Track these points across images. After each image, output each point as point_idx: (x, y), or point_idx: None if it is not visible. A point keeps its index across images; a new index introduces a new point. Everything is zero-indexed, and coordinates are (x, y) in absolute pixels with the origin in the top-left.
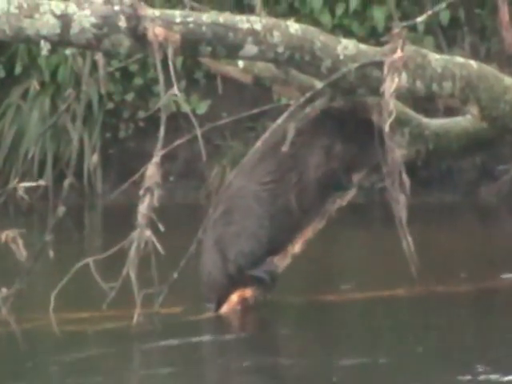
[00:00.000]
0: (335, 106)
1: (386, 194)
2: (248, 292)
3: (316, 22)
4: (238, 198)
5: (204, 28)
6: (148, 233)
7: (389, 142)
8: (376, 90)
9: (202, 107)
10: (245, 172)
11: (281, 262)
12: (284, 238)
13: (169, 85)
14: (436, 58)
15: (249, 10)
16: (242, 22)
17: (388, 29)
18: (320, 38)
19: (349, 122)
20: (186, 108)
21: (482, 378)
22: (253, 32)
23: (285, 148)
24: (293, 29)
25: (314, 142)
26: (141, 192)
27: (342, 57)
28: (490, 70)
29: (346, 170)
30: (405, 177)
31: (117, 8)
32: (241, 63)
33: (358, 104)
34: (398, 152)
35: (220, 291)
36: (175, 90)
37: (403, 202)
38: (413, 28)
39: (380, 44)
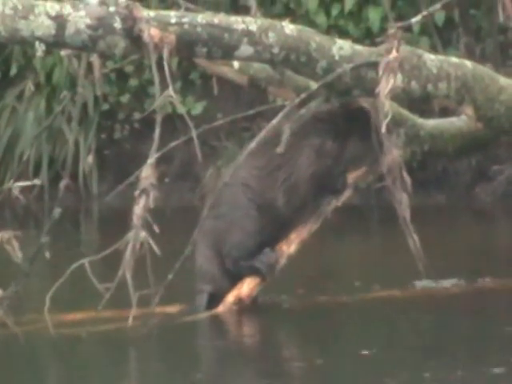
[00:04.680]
0: (324, 110)
1: (383, 196)
2: (244, 292)
3: (311, 23)
4: (226, 190)
5: (199, 29)
6: (143, 234)
7: (387, 142)
8: (371, 91)
9: (198, 108)
10: (235, 168)
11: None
12: (274, 233)
13: (164, 86)
14: (431, 59)
15: (244, 10)
16: (238, 22)
17: (383, 29)
18: (315, 38)
19: (340, 121)
20: (181, 109)
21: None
22: (248, 33)
23: (280, 149)
24: (288, 29)
25: (304, 142)
26: (136, 193)
27: (337, 57)
28: (485, 70)
29: (340, 172)
30: (405, 175)
31: (112, 9)
32: (236, 64)
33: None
34: (396, 151)
35: (211, 283)
36: (171, 91)
37: (406, 200)
38: (408, 29)
39: (375, 45)
